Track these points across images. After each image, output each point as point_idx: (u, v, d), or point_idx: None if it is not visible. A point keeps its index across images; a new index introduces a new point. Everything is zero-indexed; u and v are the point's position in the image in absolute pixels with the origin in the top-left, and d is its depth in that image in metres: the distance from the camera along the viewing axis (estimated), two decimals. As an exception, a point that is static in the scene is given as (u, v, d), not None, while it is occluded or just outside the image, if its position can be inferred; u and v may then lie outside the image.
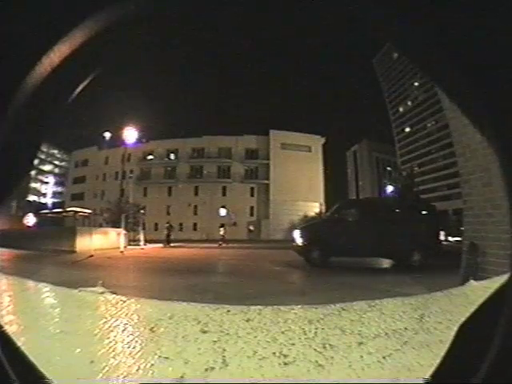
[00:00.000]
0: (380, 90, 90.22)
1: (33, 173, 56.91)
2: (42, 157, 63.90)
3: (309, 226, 9.53)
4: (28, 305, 3.10)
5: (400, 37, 0.38)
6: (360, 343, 2.04)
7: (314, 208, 42.72)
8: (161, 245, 17.65)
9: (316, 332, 2.24)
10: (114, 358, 1.78)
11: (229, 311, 2.71)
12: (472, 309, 0.43)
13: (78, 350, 1.84)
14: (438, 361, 0.45)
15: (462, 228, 5.07)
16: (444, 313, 2.66)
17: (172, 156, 44.71)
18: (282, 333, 2.22)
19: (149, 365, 1.69)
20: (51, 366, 1.56)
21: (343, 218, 8.48)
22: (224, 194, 42.89)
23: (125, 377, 1.58)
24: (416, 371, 1.63)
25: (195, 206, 42.11)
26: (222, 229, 21.13)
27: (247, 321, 2.47)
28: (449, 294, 3.28)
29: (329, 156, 47.94)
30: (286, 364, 1.74)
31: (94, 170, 46.11)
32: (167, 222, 20.64)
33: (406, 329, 2.32)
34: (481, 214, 4.31)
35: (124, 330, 2.28)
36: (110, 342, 2.02)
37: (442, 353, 0.45)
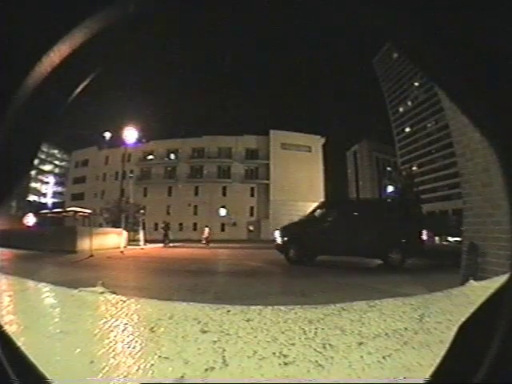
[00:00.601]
0: (380, 90, 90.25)
1: (33, 173, 56.95)
2: (42, 157, 63.92)
3: (288, 226, 9.79)
4: (28, 305, 3.09)
5: (400, 37, 0.38)
6: (360, 343, 2.04)
7: (314, 208, 42.66)
8: (161, 245, 17.66)
9: (316, 332, 2.24)
10: (113, 357, 1.78)
11: (229, 311, 2.71)
12: (472, 309, 0.43)
13: (78, 350, 1.84)
14: (437, 361, 0.45)
15: (462, 228, 5.08)
16: (444, 313, 2.66)
17: (172, 156, 44.71)
18: (282, 333, 2.22)
19: (149, 365, 1.69)
20: (51, 366, 1.56)
21: (320, 218, 8.82)
22: (224, 194, 42.89)
23: (125, 377, 1.58)
24: (416, 371, 1.63)
25: (195, 206, 42.12)
26: (206, 229, 21.13)
27: (247, 321, 2.47)
28: (449, 294, 3.28)
29: (329, 156, 47.92)
30: (285, 364, 1.74)
31: (93, 170, 46.11)
32: (163, 222, 20.66)
33: (405, 329, 2.32)
34: (481, 214, 4.31)
35: (124, 330, 2.28)
36: (110, 342, 2.02)
37: (442, 353, 0.44)
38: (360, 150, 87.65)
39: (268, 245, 19.25)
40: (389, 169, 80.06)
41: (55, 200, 57.17)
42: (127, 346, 1.97)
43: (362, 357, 1.82)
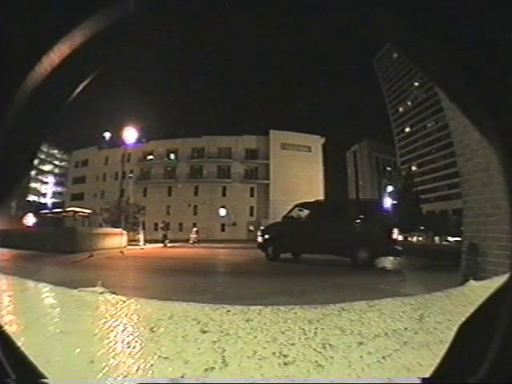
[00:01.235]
0: (380, 90, 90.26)
1: (33, 173, 56.91)
2: (42, 157, 63.89)
3: (268, 226, 10.63)
4: (28, 305, 3.10)
5: (400, 37, 0.38)
6: (360, 343, 2.04)
7: (314, 208, 42.66)
8: (161, 245, 17.66)
9: (316, 332, 2.24)
10: (113, 358, 1.78)
11: (229, 311, 2.71)
12: (472, 309, 0.43)
13: (78, 350, 1.84)
14: (437, 361, 0.45)
15: (462, 228, 5.08)
16: (444, 313, 2.66)
17: (172, 156, 44.71)
18: (282, 333, 2.22)
19: (149, 365, 1.69)
20: (51, 365, 1.56)
21: (295, 218, 9.59)
22: (224, 194, 42.89)
23: (125, 377, 1.58)
24: (416, 371, 1.63)
25: (195, 206, 42.12)
26: (194, 229, 21.13)
27: (247, 321, 2.47)
28: (449, 294, 3.28)
29: (329, 156, 47.94)
30: (285, 364, 1.74)
31: (94, 170, 46.11)
32: (163, 222, 20.67)
33: (405, 329, 2.32)
34: (481, 214, 4.31)
35: (124, 330, 2.28)
36: (110, 342, 2.02)
37: (442, 353, 0.45)
38: (360, 149, 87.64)
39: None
40: (389, 169, 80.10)
41: (55, 200, 57.14)
42: (127, 346, 1.97)
43: (361, 357, 1.82)
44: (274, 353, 1.87)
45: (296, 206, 10.13)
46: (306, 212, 9.67)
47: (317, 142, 45.61)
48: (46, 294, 3.57)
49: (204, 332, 2.23)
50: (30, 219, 17.17)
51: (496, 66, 0.33)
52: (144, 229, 18.36)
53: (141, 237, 16.77)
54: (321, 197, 43.52)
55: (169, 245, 17.79)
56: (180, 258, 10.74)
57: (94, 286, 3.65)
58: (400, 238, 7.97)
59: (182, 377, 1.58)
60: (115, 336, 2.15)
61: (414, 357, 1.82)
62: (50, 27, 0.37)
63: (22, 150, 0.42)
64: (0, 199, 0.41)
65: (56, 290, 3.67)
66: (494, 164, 0.35)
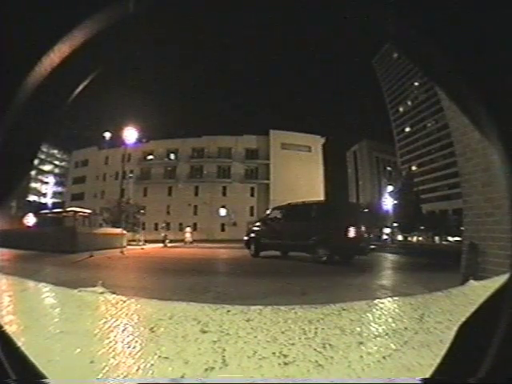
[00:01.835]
0: (380, 90, 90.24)
1: (33, 173, 56.88)
2: (42, 157, 63.91)
3: (252, 227, 11.87)
4: (28, 305, 3.10)
5: (400, 37, 0.38)
6: (360, 343, 2.04)
7: (314, 208, 42.65)
8: (161, 245, 17.66)
9: (316, 332, 2.24)
10: (113, 358, 1.78)
11: (229, 311, 2.71)
12: (472, 309, 0.43)
13: (78, 350, 1.84)
14: (438, 361, 0.45)
15: (462, 228, 5.09)
16: (444, 313, 2.66)
17: (172, 156, 44.72)
18: (282, 333, 2.22)
19: (149, 365, 1.69)
20: (51, 365, 1.56)
21: (271, 220, 10.87)
22: (224, 194, 42.90)
23: (125, 377, 1.58)
24: (416, 371, 1.63)
25: (195, 206, 42.12)
26: (187, 228, 21.12)
27: (247, 321, 2.47)
28: (449, 294, 3.28)
29: (329, 156, 47.97)
30: (286, 364, 1.74)
31: (94, 170, 46.11)
32: (164, 222, 20.68)
33: (406, 329, 2.32)
34: (481, 214, 4.31)
35: (124, 330, 2.28)
36: (110, 342, 2.02)
37: (442, 353, 0.45)
38: (360, 149, 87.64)
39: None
40: (389, 169, 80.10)
41: (55, 200, 57.09)
42: (127, 346, 1.96)
43: (361, 357, 1.82)
44: (274, 353, 1.87)
45: (273, 208, 11.52)
46: (279, 214, 10.83)
47: (317, 142, 45.61)
48: (46, 294, 3.56)
49: (204, 332, 2.23)
50: (30, 219, 17.17)
51: (496, 66, 0.33)
52: (144, 229, 18.37)
53: (141, 237, 16.76)
54: (321, 197, 43.53)
55: (169, 245, 17.80)
56: (180, 258, 10.74)
57: (94, 286, 3.65)
58: (354, 235, 8.40)
59: (182, 377, 1.58)
60: (115, 336, 2.15)
61: (414, 357, 1.82)
62: (49, 27, 0.37)
63: (22, 150, 0.42)
64: (0, 199, 0.41)
65: (56, 290, 3.67)
66: (495, 164, 0.35)
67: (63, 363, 1.67)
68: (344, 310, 2.80)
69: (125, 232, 15.85)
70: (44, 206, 45.54)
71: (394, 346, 1.98)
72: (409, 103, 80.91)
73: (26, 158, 0.44)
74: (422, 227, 48.32)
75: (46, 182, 61.59)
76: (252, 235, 11.09)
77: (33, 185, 58.91)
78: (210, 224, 39.75)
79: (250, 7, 0.45)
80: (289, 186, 40.80)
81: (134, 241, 17.07)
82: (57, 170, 67.91)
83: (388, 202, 40.39)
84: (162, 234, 19.21)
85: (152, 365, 1.69)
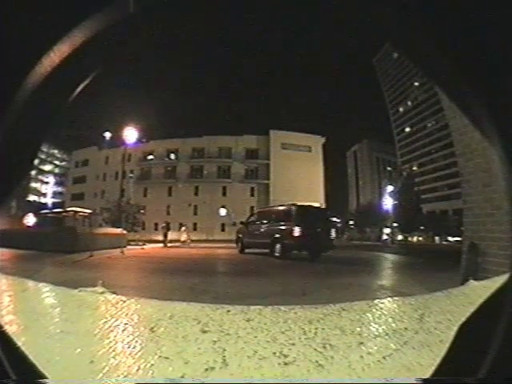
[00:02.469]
0: (380, 90, 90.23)
1: (33, 173, 56.92)
2: (42, 157, 63.93)
3: (239, 228, 14.05)
4: (28, 305, 3.10)
5: (400, 37, 0.38)
6: (360, 343, 2.04)
7: (314, 208, 42.65)
8: (161, 245, 17.66)
9: (316, 332, 2.24)
10: (113, 357, 1.78)
11: (229, 311, 2.71)
12: (472, 309, 0.43)
13: (78, 350, 1.84)
14: (438, 361, 0.45)
15: (462, 228, 5.09)
16: (444, 313, 2.66)
17: (172, 156, 44.73)
18: (282, 333, 2.22)
19: (149, 365, 1.69)
20: (51, 365, 1.56)
21: (251, 222, 13.11)
22: (224, 194, 42.90)
23: (125, 377, 1.58)
24: (416, 371, 1.63)
25: (195, 206, 42.12)
26: (183, 228, 21.18)
27: (247, 321, 2.47)
28: (449, 294, 3.28)
29: (329, 156, 48.02)
30: (286, 364, 1.74)
31: (94, 170, 46.13)
32: (164, 222, 20.67)
33: (406, 329, 2.32)
34: (481, 214, 4.31)
35: (124, 330, 2.28)
36: (110, 342, 2.02)
37: (442, 353, 0.45)
38: (360, 149, 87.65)
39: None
40: (389, 169, 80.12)
41: (55, 200, 57.08)
42: (127, 345, 1.96)
43: (361, 357, 1.82)
44: (274, 353, 1.87)
45: (252, 213, 14.70)
46: (256, 217, 13.38)
47: (317, 142, 45.62)
48: (46, 294, 3.56)
49: (204, 332, 2.23)
50: (30, 219, 17.15)
51: (496, 66, 0.33)
52: (144, 229, 18.37)
53: (141, 237, 16.76)
54: (321, 197, 43.59)
55: (169, 245, 17.80)
56: (181, 258, 10.75)
57: (94, 286, 3.65)
58: (298, 234, 9.93)
59: (182, 377, 1.58)
60: (115, 336, 2.15)
61: (414, 357, 1.82)
62: (50, 27, 0.37)
63: (22, 150, 0.42)
64: (0, 199, 0.41)
65: (56, 290, 3.67)
66: (495, 164, 0.35)
67: (63, 363, 1.67)
68: (344, 309, 2.80)
69: (125, 232, 15.84)
70: (44, 206, 45.56)
71: (394, 346, 1.98)
72: (409, 103, 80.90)
73: (26, 158, 0.44)
74: (422, 227, 48.31)
75: (46, 182, 61.60)
76: (239, 235, 13.44)
77: (33, 185, 58.92)
78: (210, 224, 39.74)
79: (250, 7, 0.45)
80: (289, 186, 40.80)
81: (133, 241, 17.06)
82: (57, 170, 67.94)
83: (388, 202, 40.37)
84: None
85: (152, 365, 1.69)
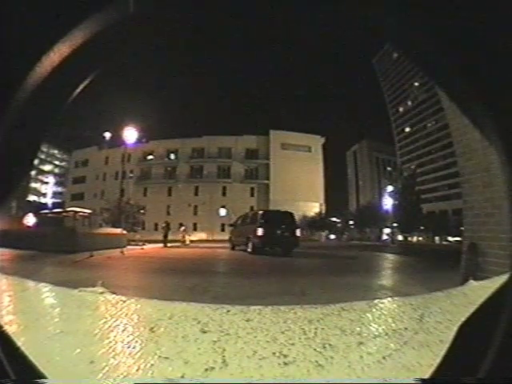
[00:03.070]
0: (380, 90, 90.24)
1: (33, 173, 56.88)
2: (42, 157, 63.94)
3: (232, 228, 16.67)
4: (28, 305, 3.09)
5: (400, 37, 0.38)
6: (360, 343, 2.04)
7: (314, 208, 42.76)
8: (161, 245, 17.66)
9: (316, 332, 2.24)
10: (113, 358, 1.77)
11: (229, 311, 2.71)
12: (472, 309, 0.43)
13: (78, 350, 1.84)
14: (437, 361, 0.45)
15: (462, 228, 5.09)
16: (444, 313, 2.66)
17: (172, 156, 44.75)
18: (282, 333, 2.22)
19: (149, 365, 1.69)
20: (51, 365, 1.56)
21: (236, 224, 15.81)
22: (224, 194, 42.93)
23: (125, 377, 1.58)
24: (416, 371, 1.63)
25: (195, 206, 42.13)
26: (182, 228, 21.30)
27: (247, 321, 2.47)
28: (449, 294, 3.28)
29: (329, 156, 48.10)
30: (285, 364, 1.74)
31: (94, 170, 46.14)
32: (165, 222, 20.67)
33: (406, 329, 2.32)
34: (481, 214, 4.31)
35: (124, 330, 2.28)
36: (110, 342, 2.02)
37: (442, 353, 0.45)
38: (360, 149, 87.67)
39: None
40: (389, 169, 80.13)
41: (55, 200, 57.02)
42: (127, 346, 1.96)
43: (361, 357, 1.82)
44: (274, 353, 1.87)
45: (238, 217, 16.78)
46: (240, 220, 15.63)
47: (317, 142, 45.65)
48: (46, 294, 3.56)
49: (204, 332, 2.23)
50: (30, 219, 17.14)
51: (496, 66, 0.33)
52: (144, 229, 18.39)
53: (140, 237, 16.76)
54: (320, 197, 43.60)
55: (169, 245, 17.80)
56: (181, 259, 10.75)
57: (94, 286, 3.65)
58: (260, 234, 11.99)
59: (182, 377, 1.58)
60: (115, 336, 2.15)
61: (414, 357, 1.81)
62: (49, 27, 0.37)
63: (22, 150, 0.42)
64: (0, 199, 0.41)
65: (56, 290, 3.67)
66: (495, 164, 0.35)
67: (63, 363, 1.67)
68: (344, 310, 2.80)
69: (125, 232, 15.84)
70: (44, 205, 45.53)
71: (393, 346, 1.98)
72: (409, 103, 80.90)
73: (26, 158, 0.44)
74: (422, 227, 48.29)
75: (46, 182, 61.58)
76: (230, 236, 16.55)
77: (33, 185, 58.92)
78: (209, 224, 39.74)
79: (250, 7, 0.45)
80: (289, 185, 40.84)
81: (133, 241, 17.05)
82: (57, 170, 67.95)
83: (388, 202, 40.37)
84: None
85: (152, 365, 1.69)
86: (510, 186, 0.34)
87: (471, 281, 3.69)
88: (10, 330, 2.17)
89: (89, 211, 19.04)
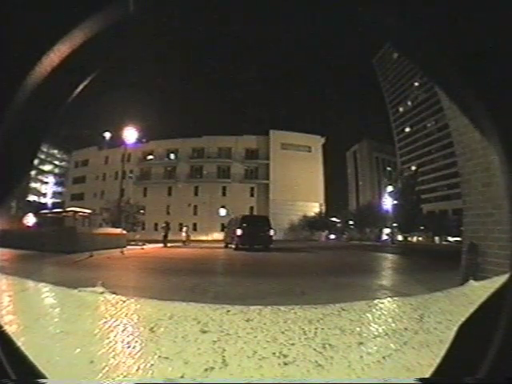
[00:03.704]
0: (380, 90, 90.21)
1: (33, 173, 56.88)
2: (42, 157, 63.90)
3: (226, 230, 20.07)
4: (28, 305, 3.10)
5: (400, 37, 0.38)
6: (360, 343, 2.04)
7: (314, 208, 42.76)
8: (161, 245, 17.67)
9: (316, 332, 2.24)
10: (113, 358, 1.78)
11: (229, 311, 2.71)
12: (472, 309, 0.43)
13: (78, 350, 1.84)
14: (437, 361, 0.45)
15: (462, 228, 5.09)
16: (444, 313, 2.66)
17: (172, 156, 44.73)
18: (282, 333, 2.22)
19: (149, 365, 1.69)
20: (51, 365, 1.56)
21: (228, 226, 19.07)
22: (224, 194, 42.91)
23: (125, 377, 1.58)
24: (416, 371, 1.63)
25: (195, 206, 42.12)
26: (184, 228, 21.49)
27: (247, 321, 2.47)
28: (449, 294, 3.29)
29: (329, 156, 48.09)
30: (285, 364, 1.74)
31: (94, 170, 46.11)
32: (164, 222, 20.66)
33: (406, 329, 2.32)
34: (481, 214, 4.31)
35: (124, 330, 2.28)
36: (110, 342, 2.02)
37: (442, 353, 0.45)
38: (360, 149, 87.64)
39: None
40: (389, 169, 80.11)
41: (55, 200, 57.00)
42: (127, 346, 1.96)
43: (361, 357, 1.82)
44: (274, 353, 1.87)
45: (230, 220, 19.93)
46: (231, 222, 18.40)
47: (317, 142, 45.64)
48: (46, 294, 3.56)
49: (204, 332, 2.23)
50: (30, 219, 17.16)
51: (496, 67, 0.33)
52: (143, 229, 18.42)
53: (140, 237, 16.76)
54: (320, 197, 43.62)
55: (169, 245, 17.80)
56: (181, 259, 10.76)
57: (94, 286, 3.65)
58: (239, 233, 14.78)
59: (182, 377, 1.58)
60: (115, 336, 2.15)
61: (414, 357, 1.82)
62: (50, 27, 0.37)
63: (22, 150, 0.42)
64: (0, 199, 0.41)
65: (56, 290, 3.67)
66: (494, 164, 0.35)
67: (63, 363, 1.67)
68: (344, 310, 2.80)
69: (124, 232, 15.84)
70: (44, 205, 45.49)
71: (393, 346, 1.98)
72: (409, 103, 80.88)
73: (26, 158, 0.44)
74: (422, 227, 48.25)
75: (46, 182, 61.55)
76: (224, 235, 20.09)
77: (33, 185, 58.87)
78: (209, 224, 39.74)
79: (250, 7, 0.45)
80: (288, 185, 40.83)
81: (133, 241, 17.06)
82: (57, 170, 67.93)
83: (388, 202, 40.34)
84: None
85: (152, 365, 1.69)
86: (510, 186, 0.34)
87: (471, 281, 3.69)
88: (10, 329, 2.17)
89: (89, 211, 19.05)
